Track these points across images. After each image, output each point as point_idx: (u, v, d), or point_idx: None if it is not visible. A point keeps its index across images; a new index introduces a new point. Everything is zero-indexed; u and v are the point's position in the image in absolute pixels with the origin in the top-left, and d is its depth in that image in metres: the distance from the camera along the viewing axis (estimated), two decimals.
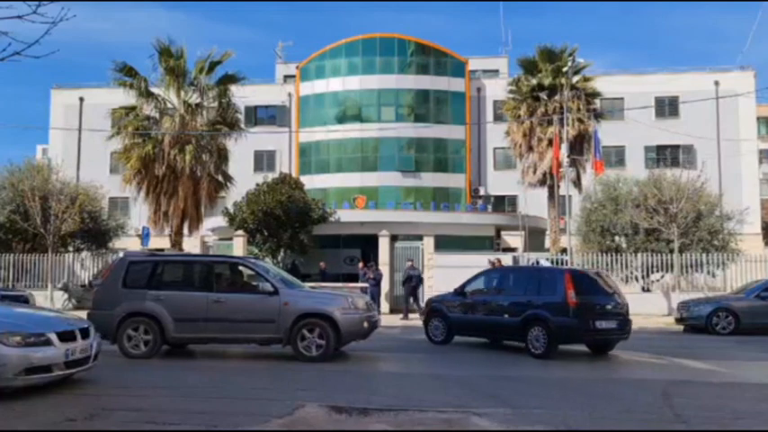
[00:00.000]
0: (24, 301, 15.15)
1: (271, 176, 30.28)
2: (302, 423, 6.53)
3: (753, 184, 38.24)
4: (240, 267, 11.87)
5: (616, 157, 38.48)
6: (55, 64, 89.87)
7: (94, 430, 6.28)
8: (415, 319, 20.11)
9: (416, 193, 38.26)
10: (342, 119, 40.02)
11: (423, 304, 21.01)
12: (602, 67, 64.12)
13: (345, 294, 11.64)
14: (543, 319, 11.51)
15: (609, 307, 11.97)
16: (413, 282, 21.48)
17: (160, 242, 28.49)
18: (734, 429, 6.58)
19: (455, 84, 40.30)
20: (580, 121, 26.84)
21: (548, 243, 29.65)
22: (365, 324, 10.97)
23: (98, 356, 8.47)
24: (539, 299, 11.88)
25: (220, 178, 26.79)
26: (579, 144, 26.83)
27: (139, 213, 30.62)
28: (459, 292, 13.74)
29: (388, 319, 20.24)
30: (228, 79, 26.32)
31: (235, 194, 28.44)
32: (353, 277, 25.51)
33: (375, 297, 21.90)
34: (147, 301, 10.91)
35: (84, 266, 26.05)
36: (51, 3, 6.25)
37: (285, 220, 26.70)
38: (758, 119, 42.05)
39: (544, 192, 28.71)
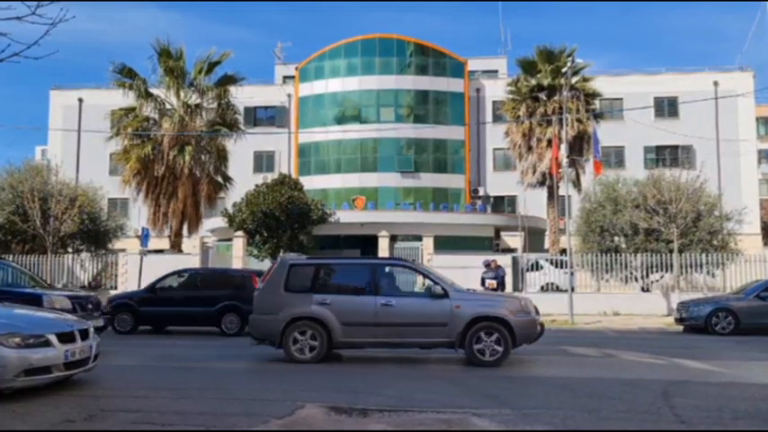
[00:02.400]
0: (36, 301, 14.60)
1: (270, 177, 30.32)
2: (302, 423, 6.53)
3: (752, 184, 38.29)
4: (407, 270, 11.70)
5: (615, 157, 38.54)
6: (54, 65, 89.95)
7: (94, 431, 6.27)
8: None
9: (416, 194, 38.29)
10: (341, 120, 40.05)
11: None
12: (602, 68, 64.17)
13: (516, 297, 11.51)
14: (237, 307, 15.29)
15: None
16: None
17: (159, 243, 28.49)
18: (734, 429, 6.58)
19: (454, 84, 40.33)
20: (579, 121, 26.86)
21: (547, 243, 29.67)
22: (537, 327, 10.85)
23: (97, 358, 8.46)
24: (233, 293, 15.56)
25: (220, 179, 26.80)
26: (578, 144, 26.84)
27: (139, 214, 30.63)
28: (150, 289, 16.90)
29: None
30: (228, 80, 26.35)
31: (234, 195, 28.47)
32: None
33: None
34: (312, 305, 10.67)
35: (84, 267, 26.04)
36: (50, 3, 6.26)
37: (285, 220, 26.73)
38: (757, 119, 42.12)
39: (543, 192, 28.73)
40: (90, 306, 12.29)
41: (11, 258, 24.72)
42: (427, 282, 11.02)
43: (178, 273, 17.76)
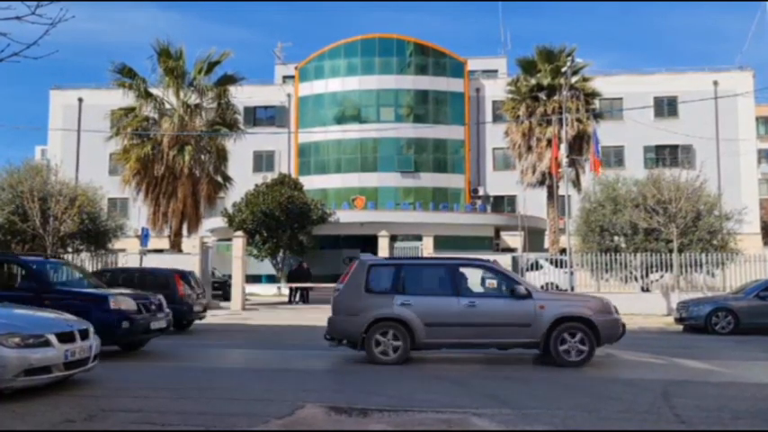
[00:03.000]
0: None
1: (270, 177, 30.34)
2: (302, 423, 6.53)
3: (752, 183, 38.30)
4: (487, 270, 11.60)
5: (615, 157, 38.56)
6: (54, 65, 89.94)
7: (94, 431, 6.27)
8: None
9: (416, 194, 38.30)
10: (341, 119, 40.05)
11: None
12: (601, 68, 64.18)
13: (598, 297, 11.47)
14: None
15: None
16: None
17: (159, 243, 28.48)
18: (734, 429, 6.58)
19: (454, 84, 40.34)
20: (579, 121, 26.85)
21: (547, 243, 29.68)
22: (620, 327, 10.83)
23: (97, 357, 8.46)
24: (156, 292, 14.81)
25: (219, 179, 26.79)
26: (578, 144, 26.84)
27: (139, 214, 30.61)
28: None
29: None
30: (227, 80, 26.34)
31: (234, 195, 28.47)
32: None
33: None
34: (395, 305, 10.57)
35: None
36: (50, 3, 6.25)
37: (284, 220, 26.74)
38: (757, 119, 42.13)
39: (543, 192, 28.73)
40: (153, 307, 11.87)
41: None
42: (508, 282, 11.00)
43: (101, 272, 17.92)
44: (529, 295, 10.61)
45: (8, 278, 12.06)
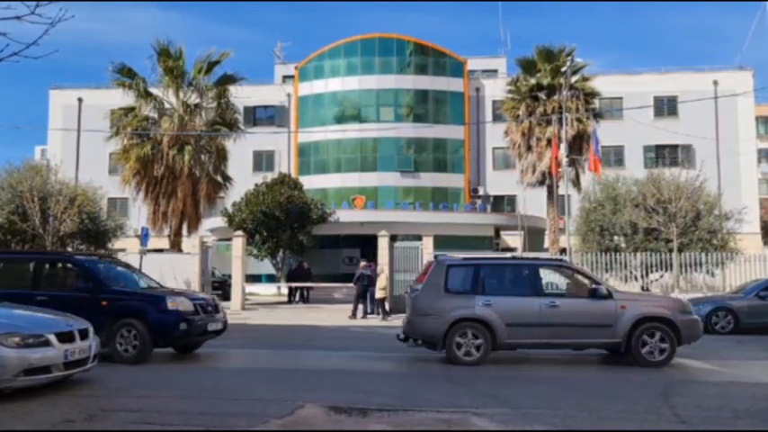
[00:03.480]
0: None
1: (270, 177, 30.33)
2: (302, 423, 6.53)
3: (751, 183, 38.30)
4: (567, 270, 11.66)
5: (615, 156, 38.55)
6: (54, 64, 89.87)
7: (94, 431, 6.27)
8: (374, 319, 20.19)
9: (415, 193, 38.29)
10: (341, 119, 40.04)
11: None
12: (601, 67, 64.07)
13: (676, 297, 11.44)
14: None
15: None
16: (364, 281, 21.26)
17: (159, 243, 28.47)
18: (734, 429, 6.58)
19: (454, 84, 40.33)
20: (579, 120, 26.84)
21: (547, 243, 29.67)
22: (700, 326, 10.88)
23: (97, 357, 8.46)
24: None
25: (219, 179, 26.78)
26: (578, 144, 26.83)
27: (138, 214, 30.60)
28: None
29: (386, 320, 20.22)
30: (227, 80, 26.32)
31: (234, 195, 28.46)
32: (352, 277, 25.50)
33: (373, 297, 21.86)
34: (476, 306, 10.55)
35: None
36: (50, 3, 6.24)
37: (284, 220, 26.74)
38: (757, 118, 42.10)
39: (543, 191, 28.72)
40: (210, 308, 11.38)
41: None
42: (589, 282, 11.02)
43: None
44: (610, 295, 10.64)
45: (63, 279, 11.68)
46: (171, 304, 10.63)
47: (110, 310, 10.49)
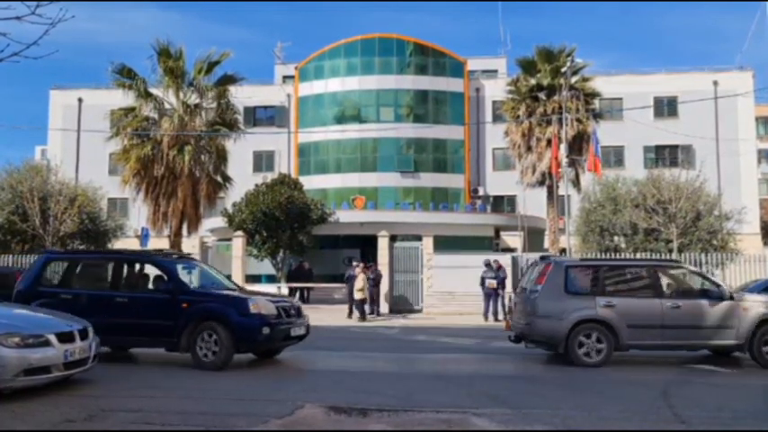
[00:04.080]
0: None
1: (270, 177, 30.29)
2: (302, 423, 6.53)
3: (751, 183, 38.28)
4: (688, 271, 11.63)
5: (615, 157, 38.53)
6: (54, 65, 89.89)
7: (94, 431, 6.27)
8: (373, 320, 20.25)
9: (415, 194, 38.28)
10: (341, 119, 40.03)
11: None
12: (601, 68, 64.09)
13: None
14: None
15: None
16: (352, 282, 21.28)
17: (159, 243, 28.45)
18: (734, 429, 6.58)
19: (454, 84, 40.32)
20: (579, 121, 26.84)
21: (547, 243, 29.67)
22: None
23: (97, 357, 8.46)
24: None
25: (219, 179, 26.76)
26: (578, 144, 26.82)
27: (138, 214, 30.61)
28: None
29: (386, 320, 20.24)
30: (227, 80, 26.31)
31: (234, 195, 28.43)
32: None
33: (374, 297, 21.88)
34: (597, 307, 10.53)
35: None
36: (50, 3, 6.24)
37: (284, 220, 26.71)
38: (757, 119, 42.09)
39: (543, 192, 28.71)
40: (293, 311, 10.75)
41: (11, 258, 24.75)
42: (709, 283, 11.02)
43: None
44: (730, 297, 10.66)
45: (142, 279, 11.25)
46: (253, 307, 10.00)
47: (190, 312, 9.98)
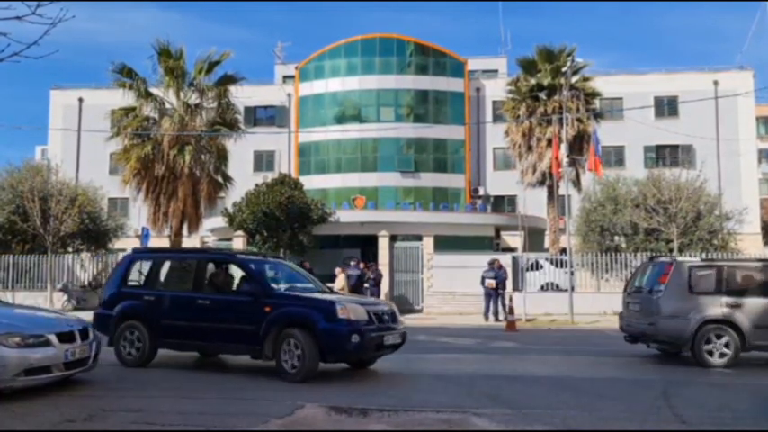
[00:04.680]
0: None
1: (270, 177, 30.27)
2: (302, 423, 6.53)
3: (752, 183, 38.26)
4: None
5: (615, 156, 38.51)
6: (54, 65, 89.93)
7: (94, 431, 6.27)
8: None
9: (416, 194, 38.26)
10: (341, 119, 40.02)
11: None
12: (602, 68, 64.01)
13: None
14: None
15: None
16: (351, 281, 21.23)
17: (160, 243, 28.46)
18: (734, 429, 6.58)
19: (454, 84, 40.31)
20: (579, 121, 26.84)
21: (547, 243, 29.67)
22: None
23: (97, 357, 8.47)
24: None
25: (220, 179, 26.78)
26: (578, 144, 26.83)
27: (139, 214, 30.61)
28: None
29: None
30: (228, 80, 26.32)
31: (234, 195, 28.44)
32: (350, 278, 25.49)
33: (375, 297, 21.89)
34: (722, 307, 10.55)
35: (84, 267, 26.05)
36: (50, 3, 6.24)
37: (284, 220, 26.70)
38: (757, 119, 42.06)
39: (543, 192, 28.72)
40: (387, 317, 9.60)
41: (11, 258, 24.78)
42: None
43: None
44: None
45: (226, 280, 10.50)
46: (341, 311, 8.95)
47: (272, 317, 9.13)
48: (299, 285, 10.53)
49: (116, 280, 11.01)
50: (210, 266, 10.58)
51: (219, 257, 11.17)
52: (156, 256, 11.36)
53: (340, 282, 20.61)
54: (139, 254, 11.77)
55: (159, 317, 10.05)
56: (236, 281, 10.37)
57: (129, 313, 10.30)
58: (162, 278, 10.80)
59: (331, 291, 11.13)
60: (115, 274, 11.22)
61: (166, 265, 10.97)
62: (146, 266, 10.99)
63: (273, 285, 10.08)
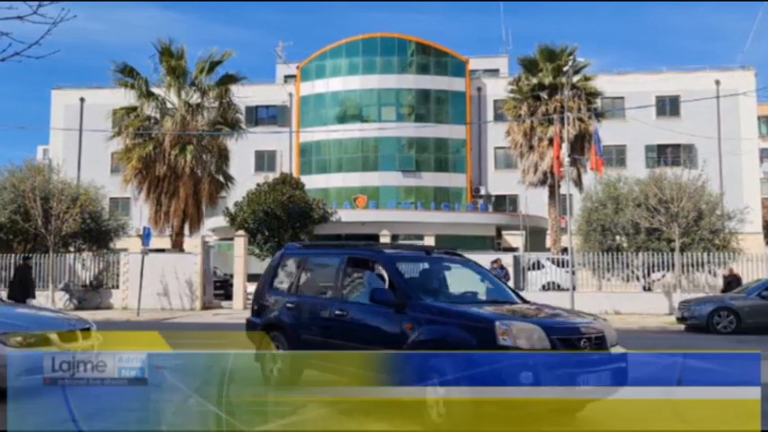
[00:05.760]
0: None
1: (271, 176, 30.36)
2: (302, 423, 6.53)
3: (754, 182, 38.23)
4: None
5: (617, 156, 38.49)
6: (55, 64, 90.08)
7: (94, 431, 6.27)
8: None
9: (417, 193, 38.28)
10: (342, 119, 40.04)
11: None
12: (603, 67, 63.95)
13: None
14: None
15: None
16: None
17: (161, 242, 28.52)
18: (734, 429, 6.57)
19: (455, 83, 40.30)
20: (581, 120, 26.84)
21: (548, 242, 29.66)
22: None
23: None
24: None
25: (221, 178, 26.81)
26: (580, 143, 26.82)
27: (140, 213, 30.67)
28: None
29: None
30: (229, 79, 26.34)
31: (235, 194, 28.49)
32: None
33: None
34: None
35: (86, 267, 26.06)
36: (51, 3, 6.25)
37: (286, 219, 26.76)
38: (759, 118, 42.01)
39: (545, 191, 28.71)
40: (584, 343, 6.28)
41: (11, 258, 24.77)
42: None
43: None
44: None
45: (364, 284, 7.91)
46: (503, 335, 6.03)
47: (413, 337, 6.61)
48: (456, 293, 7.74)
49: (266, 283, 9.07)
50: (351, 266, 8.08)
51: (360, 255, 8.39)
52: (306, 253, 9.27)
53: None
54: (290, 250, 9.38)
55: (299, 329, 8.14)
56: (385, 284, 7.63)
57: (274, 323, 8.59)
58: (306, 282, 8.72)
59: (524, 301, 7.98)
60: (266, 277, 9.24)
61: (311, 266, 8.88)
62: (294, 266, 8.88)
63: (419, 292, 7.27)
